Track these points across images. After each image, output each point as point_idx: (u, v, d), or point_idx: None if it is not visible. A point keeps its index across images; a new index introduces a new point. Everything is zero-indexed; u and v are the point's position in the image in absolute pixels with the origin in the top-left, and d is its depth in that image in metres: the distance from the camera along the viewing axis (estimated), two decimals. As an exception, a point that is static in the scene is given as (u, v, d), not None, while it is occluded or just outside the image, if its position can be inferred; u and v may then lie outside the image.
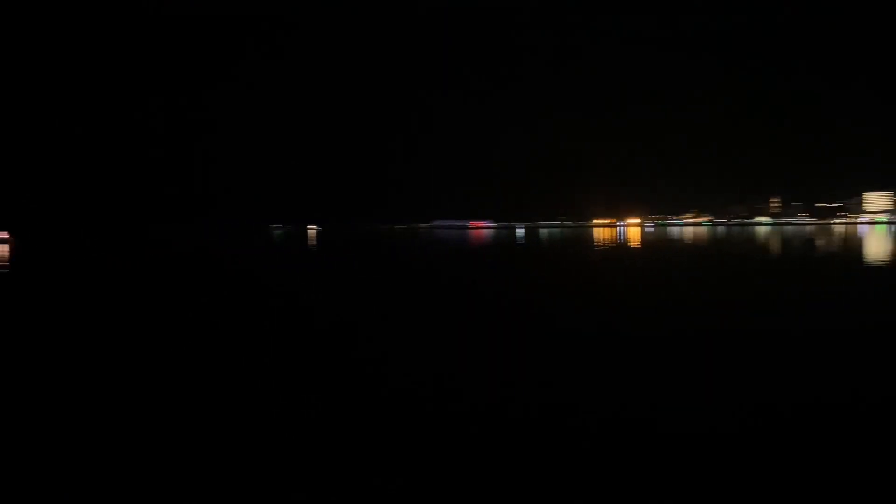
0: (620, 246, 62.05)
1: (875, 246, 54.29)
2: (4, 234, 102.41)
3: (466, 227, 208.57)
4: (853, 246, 55.31)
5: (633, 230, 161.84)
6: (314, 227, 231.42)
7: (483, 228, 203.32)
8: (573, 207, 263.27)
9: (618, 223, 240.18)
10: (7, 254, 61.47)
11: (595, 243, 69.54)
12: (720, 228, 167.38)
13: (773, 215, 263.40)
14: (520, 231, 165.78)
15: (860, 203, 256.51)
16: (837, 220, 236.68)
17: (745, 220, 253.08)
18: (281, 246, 75.50)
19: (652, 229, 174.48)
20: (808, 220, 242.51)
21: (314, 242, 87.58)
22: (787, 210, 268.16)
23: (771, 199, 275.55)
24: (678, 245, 63.09)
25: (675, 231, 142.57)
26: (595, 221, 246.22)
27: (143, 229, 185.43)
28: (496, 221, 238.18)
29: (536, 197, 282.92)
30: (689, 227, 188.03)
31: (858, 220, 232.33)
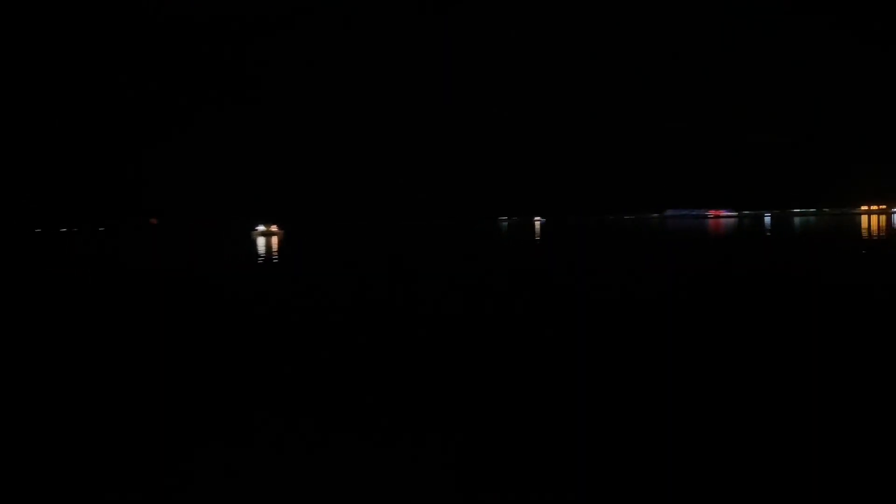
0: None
1: None
2: (274, 227, 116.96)
3: (704, 216, 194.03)
4: None
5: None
6: (539, 218, 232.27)
7: (723, 217, 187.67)
8: (833, 191, 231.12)
9: (893, 210, 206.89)
10: (278, 244, 69.77)
11: (869, 233, 59.68)
12: None
13: None
14: (767, 219, 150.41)
15: None
16: None
17: None
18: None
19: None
20: None
21: (540, 234, 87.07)
22: None
23: None
24: None
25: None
26: (862, 208, 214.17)
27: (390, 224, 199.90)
28: (737, 209, 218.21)
29: (787, 180, 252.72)
30: None
31: None
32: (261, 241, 79.56)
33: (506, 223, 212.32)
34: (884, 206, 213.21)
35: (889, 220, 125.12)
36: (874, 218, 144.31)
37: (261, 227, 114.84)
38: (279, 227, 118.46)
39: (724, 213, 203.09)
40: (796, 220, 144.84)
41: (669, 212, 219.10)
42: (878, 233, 60.62)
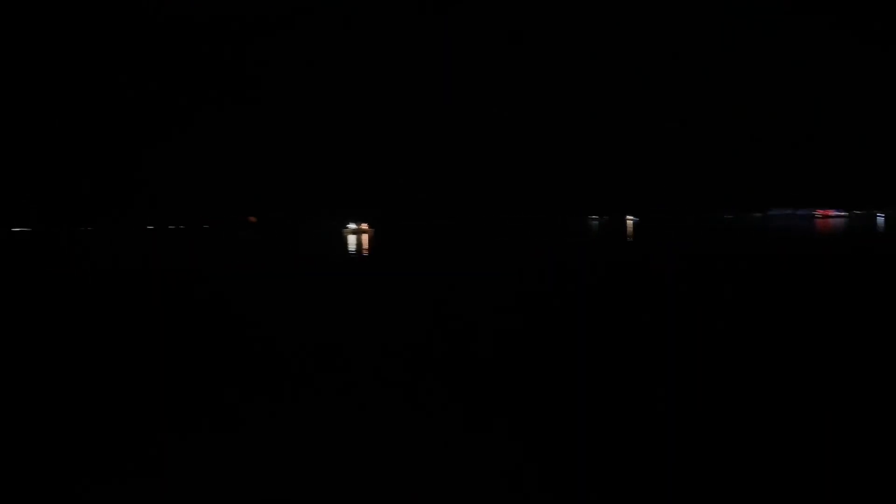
0: None
1: None
2: (365, 226, 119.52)
3: (812, 216, 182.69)
4: None
5: None
6: (631, 217, 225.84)
7: (832, 217, 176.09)
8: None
9: None
10: (369, 242, 71.34)
11: None
12: None
13: None
14: (880, 219, 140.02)
15: None
16: None
17: None
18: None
19: None
20: None
21: (633, 234, 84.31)
22: None
23: None
24: None
25: None
26: None
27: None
28: (847, 209, 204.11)
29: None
30: None
31: None
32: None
33: (596, 222, 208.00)
34: None
35: None
36: None
37: (352, 226, 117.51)
38: (369, 225, 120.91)
39: (832, 212, 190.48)
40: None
41: (773, 211, 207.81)
42: None
